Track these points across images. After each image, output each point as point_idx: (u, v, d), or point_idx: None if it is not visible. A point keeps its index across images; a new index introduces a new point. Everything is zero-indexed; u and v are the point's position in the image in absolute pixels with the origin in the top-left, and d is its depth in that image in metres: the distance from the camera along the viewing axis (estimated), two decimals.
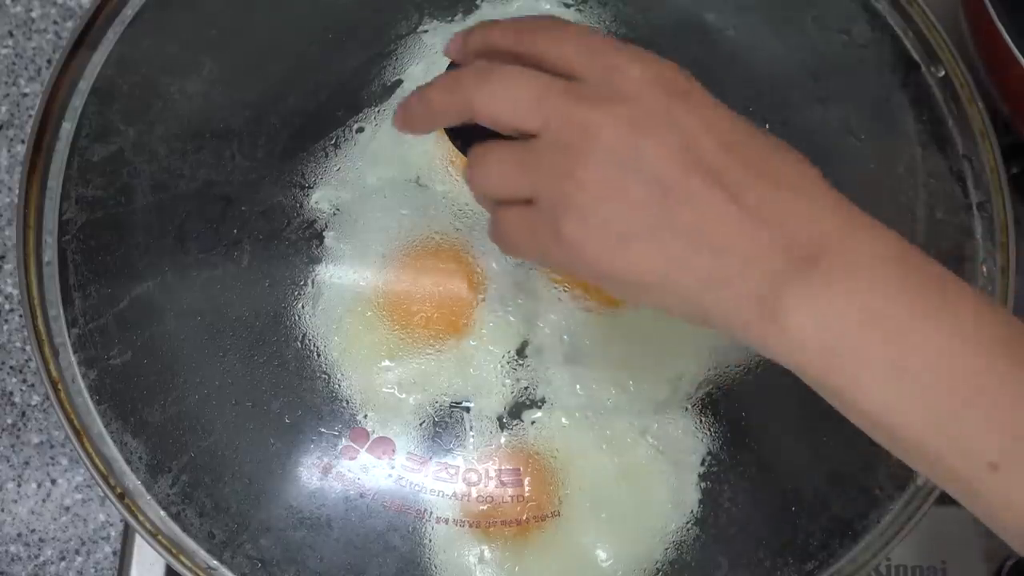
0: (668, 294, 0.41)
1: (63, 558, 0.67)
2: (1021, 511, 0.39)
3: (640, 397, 0.56)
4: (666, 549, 0.55)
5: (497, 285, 0.56)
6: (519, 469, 0.54)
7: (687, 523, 0.55)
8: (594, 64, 0.42)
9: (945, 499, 0.45)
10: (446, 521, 0.54)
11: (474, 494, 0.54)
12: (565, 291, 0.56)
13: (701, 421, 0.56)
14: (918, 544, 0.64)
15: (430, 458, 0.54)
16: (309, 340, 0.55)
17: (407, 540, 0.54)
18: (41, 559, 0.67)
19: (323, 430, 0.54)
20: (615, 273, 0.41)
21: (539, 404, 0.55)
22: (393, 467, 0.54)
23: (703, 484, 0.55)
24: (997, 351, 0.39)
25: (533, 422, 0.55)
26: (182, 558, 0.53)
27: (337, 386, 0.55)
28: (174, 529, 0.53)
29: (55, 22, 0.74)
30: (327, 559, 0.53)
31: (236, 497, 0.54)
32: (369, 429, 0.54)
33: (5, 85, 0.73)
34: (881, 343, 0.39)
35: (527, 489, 0.54)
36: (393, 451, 0.54)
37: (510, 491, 0.54)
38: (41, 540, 0.67)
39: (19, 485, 0.67)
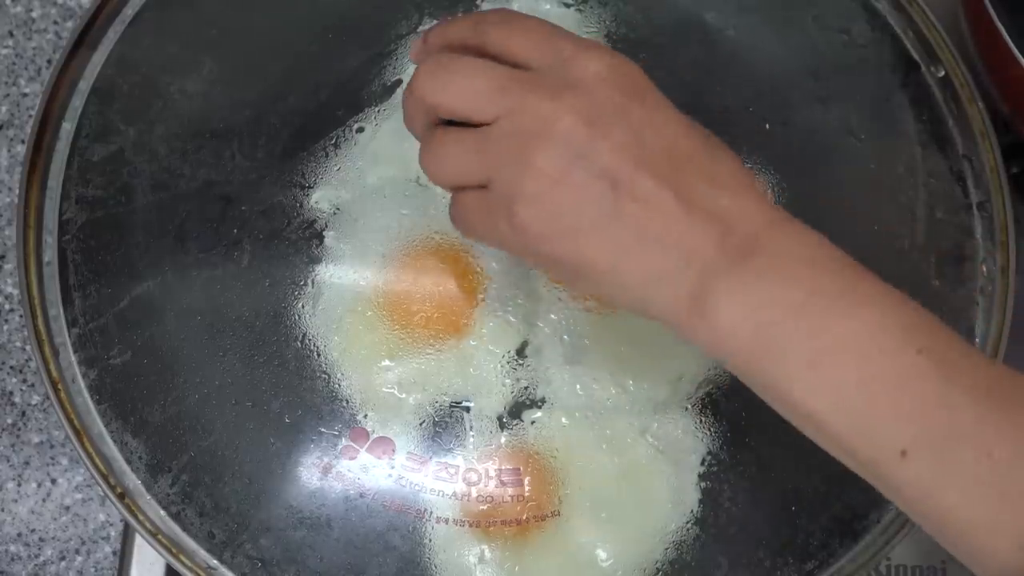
0: (613, 285, 0.43)
1: (63, 558, 0.67)
2: (931, 498, 0.40)
3: (640, 397, 0.56)
4: (666, 549, 0.55)
5: (497, 285, 0.56)
6: (519, 469, 0.54)
7: (687, 523, 0.55)
8: (550, 54, 0.42)
9: None
10: (446, 521, 0.54)
11: (474, 494, 0.54)
12: (565, 291, 0.56)
13: (701, 421, 0.56)
14: (918, 544, 0.64)
15: (430, 458, 0.54)
16: (309, 340, 0.55)
17: (407, 540, 0.53)
18: (41, 559, 0.67)
19: (323, 430, 0.54)
20: (564, 260, 0.43)
21: (539, 404, 0.55)
22: (393, 467, 0.54)
23: (703, 484, 0.55)
24: (909, 344, 0.40)
25: (533, 422, 0.55)
26: (182, 558, 0.53)
27: (337, 386, 0.55)
28: (174, 529, 0.53)
29: (55, 22, 0.74)
30: (327, 559, 0.53)
31: (236, 497, 0.53)
32: (369, 429, 0.54)
33: (5, 85, 0.73)
34: (803, 337, 0.41)
35: (527, 489, 0.54)
36: (393, 451, 0.54)
37: (510, 491, 0.54)
38: (41, 540, 0.67)
39: (19, 485, 0.67)
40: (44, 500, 0.67)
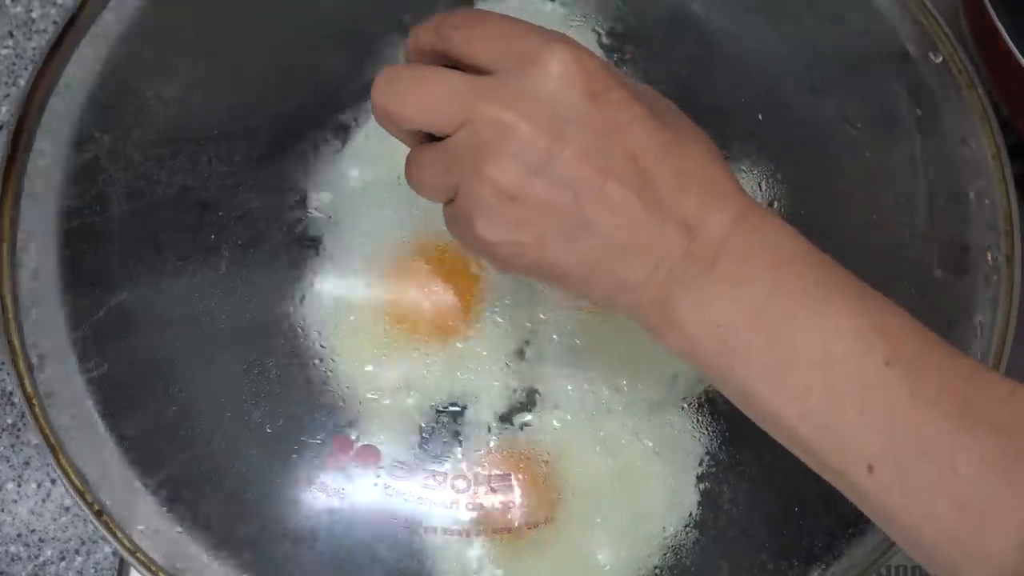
0: (583, 291, 0.43)
1: (63, 558, 0.66)
2: (899, 511, 0.40)
3: (636, 398, 0.54)
4: (664, 554, 0.53)
5: (492, 288, 0.55)
6: (510, 475, 0.53)
7: (685, 526, 0.54)
8: (511, 56, 0.41)
9: None
10: (436, 531, 0.52)
11: (464, 502, 0.52)
12: (559, 293, 0.55)
13: (698, 421, 0.55)
14: None
15: (418, 466, 0.53)
16: (291, 347, 0.54)
17: (395, 551, 0.52)
18: (41, 559, 0.66)
19: (306, 439, 0.53)
20: (532, 270, 0.42)
21: (532, 407, 0.54)
22: (379, 476, 0.53)
23: (702, 485, 0.54)
24: (876, 351, 0.40)
25: (524, 427, 0.54)
26: None
27: (320, 394, 0.53)
28: (153, 546, 0.52)
29: (55, 22, 0.73)
30: (312, 573, 0.52)
31: (217, 512, 0.52)
32: (354, 437, 0.53)
33: (5, 85, 0.73)
34: (767, 346, 0.40)
35: (519, 495, 0.53)
36: (379, 460, 0.53)
37: (502, 498, 0.53)
38: (41, 540, 0.66)
39: (19, 485, 0.67)
40: (44, 500, 0.67)
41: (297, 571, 0.52)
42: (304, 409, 0.53)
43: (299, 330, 0.54)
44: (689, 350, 0.42)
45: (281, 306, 0.54)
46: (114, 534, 0.52)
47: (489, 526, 0.52)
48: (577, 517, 0.53)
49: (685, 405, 0.55)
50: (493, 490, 0.52)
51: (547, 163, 0.40)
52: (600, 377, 0.54)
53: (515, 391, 0.54)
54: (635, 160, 0.40)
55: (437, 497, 0.52)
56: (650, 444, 0.54)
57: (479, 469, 0.53)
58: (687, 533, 0.54)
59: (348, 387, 0.54)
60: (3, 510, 0.67)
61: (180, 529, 0.52)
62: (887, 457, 0.39)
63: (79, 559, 0.66)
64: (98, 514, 0.52)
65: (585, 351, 0.55)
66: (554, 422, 0.54)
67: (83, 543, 0.67)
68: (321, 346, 0.54)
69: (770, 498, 0.55)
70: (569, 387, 0.54)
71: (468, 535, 0.52)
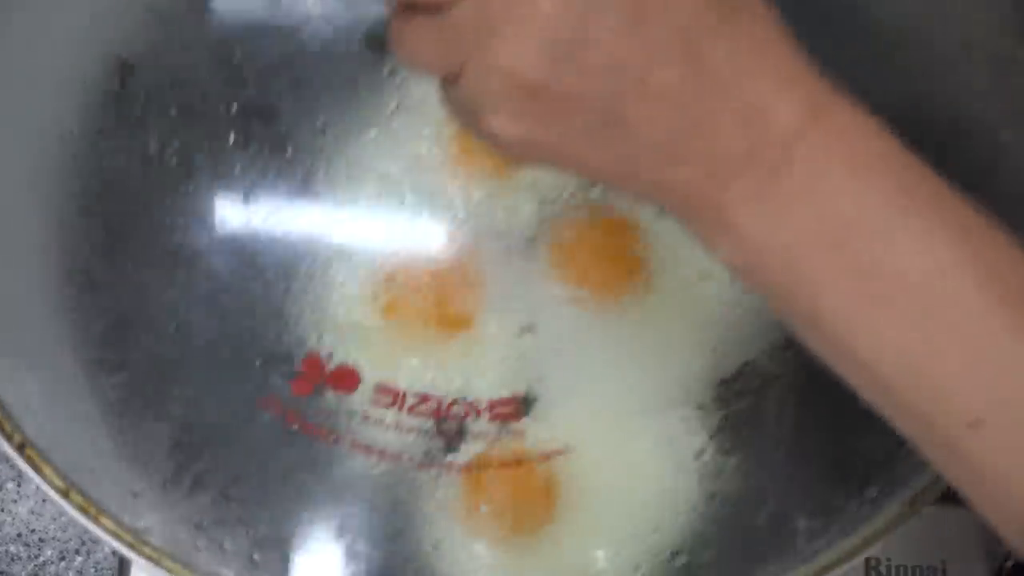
0: (613, 187, 0.38)
1: (63, 558, 0.67)
2: (1000, 476, 0.35)
3: (641, 393, 0.51)
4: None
5: (497, 280, 0.51)
6: (514, 399, 0.48)
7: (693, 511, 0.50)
8: None
9: (946, 498, 0.43)
10: (426, 466, 0.48)
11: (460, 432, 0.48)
12: (567, 288, 0.51)
13: (704, 417, 0.51)
14: (918, 544, 0.61)
15: (406, 391, 0.48)
16: (243, 251, 0.48)
17: (378, 490, 0.48)
18: (41, 559, 0.67)
19: (269, 361, 0.47)
20: (546, 165, 0.37)
21: (535, 401, 0.49)
22: (360, 402, 0.47)
23: (707, 486, 0.51)
24: (988, 290, 0.35)
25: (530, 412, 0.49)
26: (103, 519, 0.45)
27: (280, 302, 0.48)
28: (91, 484, 0.45)
29: None
30: (278, 517, 0.47)
31: (163, 444, 0.46)
32: (327, 356, 0.47)
33: None
34: (850, 272, 0.35)
35: (522, 427, 0.48)
36: (358, 383, 0.47)
37: (503, 427, 0.48)
38: (41, 540, 0.67)
39: (19, 485, 0.67)
40: (44, 500, 0.67)
41: (262, 515, 0.46)
42: (260, 321, 0.47)
43: (247, 229, 0.48)
44: (747, 266, 0.36)
45: (229, 196, 0.48)
46: (40, 471, 0.45)
47: (486, 460, 0.47)
48: (590, 454, 0.49)
49: (691, 402, 0.51)
50: (495, 418, 0.47)
51: (574, 46, 0.34)
52: (607, 374, 0.51)
53: (523, 382, 0.49)
54: (684, 37, 0.34)
55: (427, 427, 0.47)
56: (656, 441, 0.51)
57: (479, 394, 0.48)
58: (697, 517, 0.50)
59: (318, 296, 0.48)
60: (3, 510, 0.67)
61: (119, 466, 0.46)
62: (998, 415, 0.34)
63: (79, 559, 0.67)
64: (20, 447, 0.45)
65: (594, 348, 0.51)
66: (561, 415, 0.50)
67: (83, 543, 0.67)
68: (280, 248, 0.48)
69: (818, 417, 0.50)
70: (576, 383, 0.50)
71: (464, 471, 0.47)
